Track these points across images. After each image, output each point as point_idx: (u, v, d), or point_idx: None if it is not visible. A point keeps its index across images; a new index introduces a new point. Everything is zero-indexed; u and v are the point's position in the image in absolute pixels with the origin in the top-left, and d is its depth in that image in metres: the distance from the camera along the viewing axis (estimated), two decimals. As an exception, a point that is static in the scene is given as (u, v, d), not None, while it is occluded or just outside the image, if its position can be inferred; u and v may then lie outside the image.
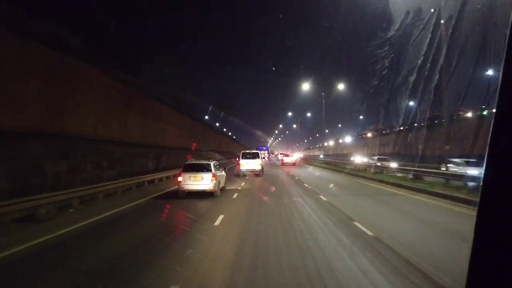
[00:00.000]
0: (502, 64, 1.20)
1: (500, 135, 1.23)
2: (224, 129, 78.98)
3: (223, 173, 16.01)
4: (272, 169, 35.10)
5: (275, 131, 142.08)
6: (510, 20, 1.16)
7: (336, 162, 39.21)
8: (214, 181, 13.29)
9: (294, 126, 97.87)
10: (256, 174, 25.04)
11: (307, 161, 57.24)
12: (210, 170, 13.46)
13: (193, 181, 13.21)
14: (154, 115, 26.49)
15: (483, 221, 1.28)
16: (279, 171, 31.78)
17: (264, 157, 38.34)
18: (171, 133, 30.97)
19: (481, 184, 1.27)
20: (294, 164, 44.22)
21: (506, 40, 1.19)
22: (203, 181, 13.16)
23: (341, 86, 43.58)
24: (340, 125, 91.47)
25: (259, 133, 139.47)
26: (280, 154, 66.40)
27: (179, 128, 33.79)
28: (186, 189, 13.27)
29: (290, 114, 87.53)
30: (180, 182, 13.30)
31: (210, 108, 58.46)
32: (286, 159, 45.98)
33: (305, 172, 30.98)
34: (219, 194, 13.76)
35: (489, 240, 1.26)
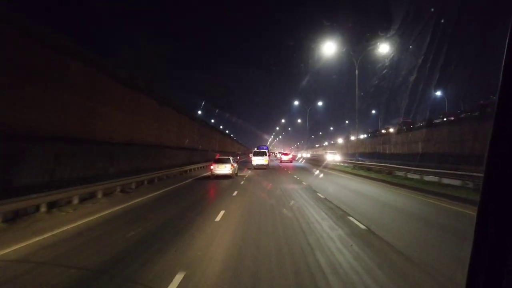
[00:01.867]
0: (503, 64, 1.21)
1: (501, 134, 1.23)
2: (221, 126, 70.65)
3: (236, 164, 24.94)
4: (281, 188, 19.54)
5: (276, 127, 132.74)
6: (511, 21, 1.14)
7: (390, 168, 22.99)
8: (232, 169, 21.98)
9: (298, 120, 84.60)
10: (264, 167, 32.81)
11: (328, 164, 38.41)
12: (230, 162, 22.00)
13: (220, 168, 21.55)
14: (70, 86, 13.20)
15: (483, 221, 1.27)
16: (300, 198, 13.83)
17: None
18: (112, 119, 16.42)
19: (481, 183, 1.26)
20: (290, 161, 51.36)
21: (507, 40, 1.20)
22: (225, 169, 21.53)
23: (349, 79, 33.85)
24: (347, 122, 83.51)
25: (259, 131, 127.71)
26: (279, 153, 72.98)
27: (123, 111, 19.02)
28: (215, 173, 21.41)
29: (291, 108, 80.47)
30: (212, 169, 21.80)
31: (203, 102, 51.72)
32: (284, 157, 52.95)
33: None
34: (235, 176, 22.11)
35: (490, 239, 1.25)
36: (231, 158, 23.13)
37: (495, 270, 1.25)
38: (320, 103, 59.90)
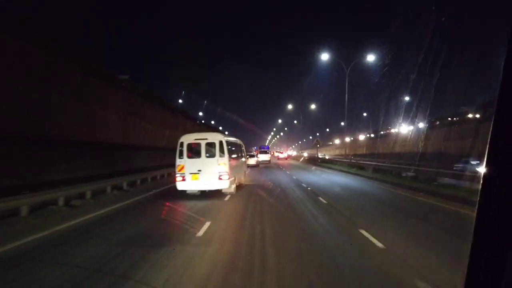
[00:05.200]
0: (503, 63, 1.23)
1: (500, 133, 1.25)
2: (212, 122, 70.08)
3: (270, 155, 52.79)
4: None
5: (277, 121, 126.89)
6: None
7: None
8: (270, 156, 50.38)
9: (312, 108, 71.33)
10: (267, 163, 42.54)
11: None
12: (268, 153, 48.39)
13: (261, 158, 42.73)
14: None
15: (482, 220, 1.29)
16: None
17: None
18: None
19: (481, 183, 1.28)
20: (286, 159, 62.39)
21: (507, 39, 1.22)
22: (266, 157, 44.25)
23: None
24: (365, 114, 71.58)
25: (258, 130, 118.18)
26: (277, 152, 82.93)
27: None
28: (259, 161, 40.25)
29: (290, 108, 69.31)
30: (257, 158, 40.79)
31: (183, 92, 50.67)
32: (281, 155, 66.17)
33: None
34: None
35: (489, 238, 1.28)
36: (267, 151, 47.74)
37: (494, 269, 1.26)
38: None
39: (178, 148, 12.77)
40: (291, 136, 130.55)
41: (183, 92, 49.47)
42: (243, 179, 17.16)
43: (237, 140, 17.55)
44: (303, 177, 22.40)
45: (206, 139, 13.10)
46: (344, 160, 36.10)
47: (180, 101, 48.57)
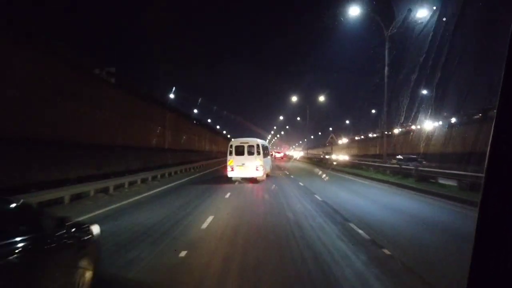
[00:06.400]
0: (504, 64, 1.21)
1: (501, 134, 1.23)
2: (209, 120, 69.10)
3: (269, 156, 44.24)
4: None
5: (277, 122, 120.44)
6: None
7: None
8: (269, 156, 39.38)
9: (315, 106, 66.41)
10: None
11: None
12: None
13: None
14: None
15: (484, 220, 1.28)
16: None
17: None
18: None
19: (482, 183, 1.26)
20: (282, 158, 67.22)
21: (508, 39, 1.20)
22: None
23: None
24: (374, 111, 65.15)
25: (258, 129, 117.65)
26: (275, 152, 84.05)
27: None
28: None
29: (290, 107, 70.87)
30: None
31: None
32: (278, 155, 70.26)
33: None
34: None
35: (491, 239, 1.26)
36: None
37: (496, 270, 1.23)
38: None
39: (229, 149, 18.92)
40: (292, 135, 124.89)
41: (174, 88, 43.35)
42: (269, 171, 22.70)
43: (267, 143, 24.68)
44: (332, 198, 12.64)
45: (248, 142, 19.13)
46: (386, 165, 24.16)
47: (172, 96, 42.96)
